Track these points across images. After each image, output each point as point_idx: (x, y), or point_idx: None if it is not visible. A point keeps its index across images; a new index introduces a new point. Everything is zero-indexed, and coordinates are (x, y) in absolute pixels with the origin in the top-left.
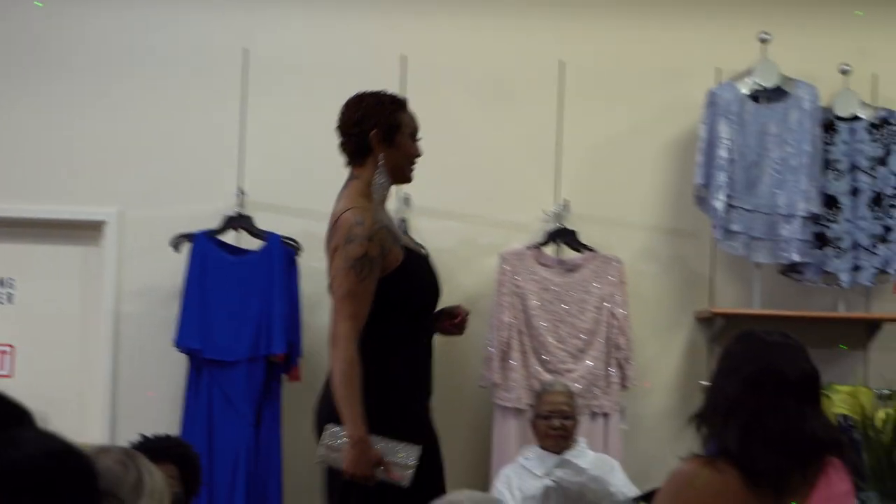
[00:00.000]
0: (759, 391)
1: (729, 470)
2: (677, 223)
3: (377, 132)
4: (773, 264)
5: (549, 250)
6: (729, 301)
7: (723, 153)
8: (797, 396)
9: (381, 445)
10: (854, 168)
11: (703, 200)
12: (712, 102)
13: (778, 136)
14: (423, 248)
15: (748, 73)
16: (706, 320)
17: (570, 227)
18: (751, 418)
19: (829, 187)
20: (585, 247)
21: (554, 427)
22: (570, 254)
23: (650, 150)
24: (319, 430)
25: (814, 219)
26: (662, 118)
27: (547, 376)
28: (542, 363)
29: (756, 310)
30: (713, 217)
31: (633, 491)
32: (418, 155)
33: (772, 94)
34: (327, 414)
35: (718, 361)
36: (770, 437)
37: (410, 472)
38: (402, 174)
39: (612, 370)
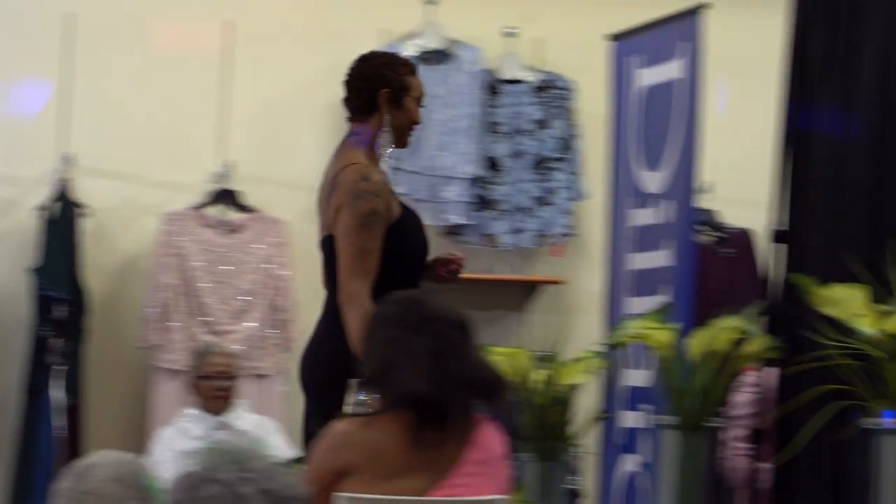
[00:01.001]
0: (433, 334)
1: (391, 427)
2: None
3: (388, 91)
4: (435, 226)
5: (213, 211)
6: None
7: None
8: (464, 336)
9: None
10: (517, 131)
11: None
12: None
13: (442, 98)
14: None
15: (413, 35)
16: None
17: (234, 188)
18: (435, 360)
19: (491, 150)
20: (248, 208)
21: (216, 388)
22: (233, 215)
23: (314, 112)
24: (310, 384)
25: (476, 181)
26: (327, 80)
27: (208, 337)
28: (204, 324)
29: None
30: None
31: (291, 453)
32: (419, 122)
33: (437, 57)
34: (322, 367)
35: (374, 323)
36: (454, 374)
37: None
38: (402, 138)
39: (274, 332)
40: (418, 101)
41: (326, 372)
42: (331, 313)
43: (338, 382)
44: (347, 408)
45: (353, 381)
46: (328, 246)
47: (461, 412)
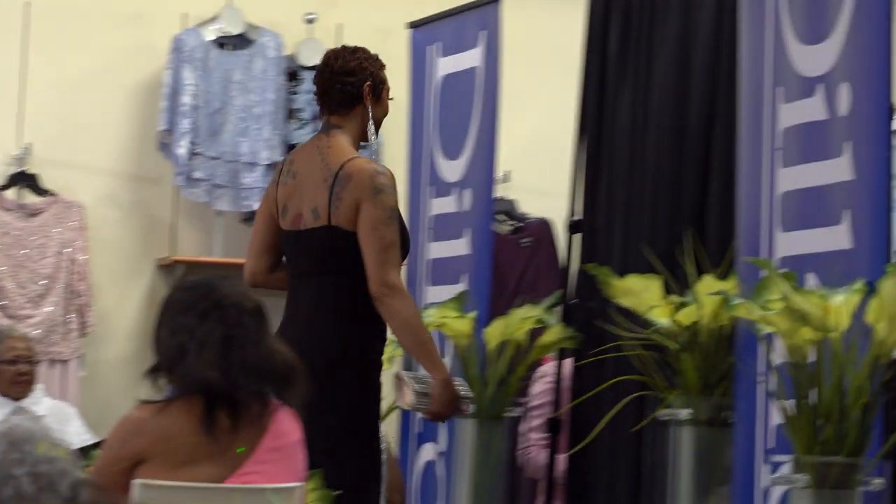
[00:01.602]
0: (223, 321)
1: (183, 414)
2: (140, 169)
3: (370, 85)
4: (235, 212)
5: (10, 194)
6: (191, 249)
7: (187, 100)
8: (257, 323)
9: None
10: (317, 117)
11: (166, 146)
12: (177, 48)
13: (242, 83)
14: None
15: (214, 19)
16: (167, 267)
17: (32, 170)
18: (224, 347)
19: (292, 136)
20: (47, 191)
21: (16, 373)
22: (32, 198)
23: (115, 95)
24: (320, 370)
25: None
26: (128, 62)
27: (5, 322)
28: (1, 309)
29: (217, 258)
30: (176, 164)
31: (89, 439)
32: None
33: (237, 42)
34: (331, 351)
35: (166, 309)
36: (246, 361)
37: (469, 400)
38: (376, 130)
39: (72, 316)
40: (388, 94)
41: (345, 356)
42: (329, 302)
43: (361, 366)
44: (412, 396)
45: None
46: (324, 235)
47: (254, 400)
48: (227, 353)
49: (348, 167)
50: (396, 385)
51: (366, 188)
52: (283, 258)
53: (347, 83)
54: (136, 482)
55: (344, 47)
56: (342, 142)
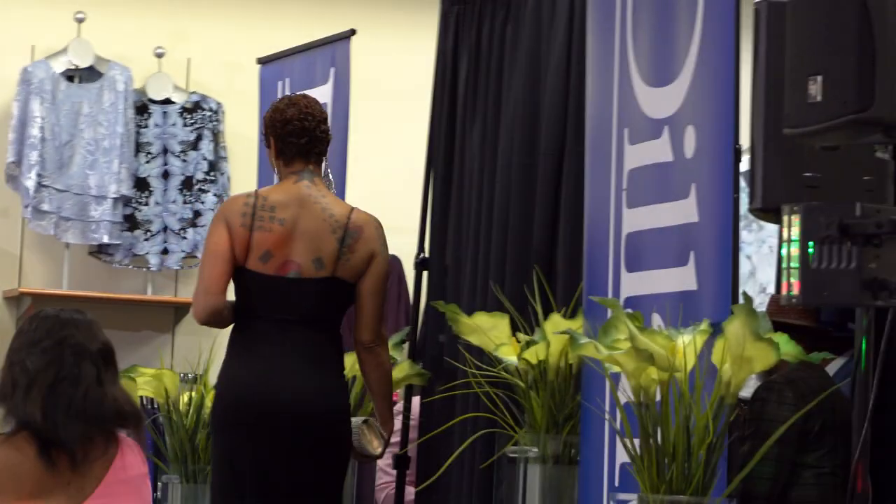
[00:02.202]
0: (59, 361)
1: (26, 447)
2: None
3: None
4: (83, 245)
5: None
6: (38, 281)
7: (35, 132)
8: (97, 366)
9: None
10: (166, 151)
11: (14, 178)
12: (25, 80)
13: (91, 116)
14: None
15: (63, 51)
16: (14, 299)
17: None
18: (52, 388)
19: (140, 170)
20: None
21: None
22: None
23: None
24: (333, 423)
25: (124, 201)
26: None
27: None
28: None
29: (65, 290)
30: (24, 196)
31: None
32: None
33: (86, 74)
34: (343, 403)
35: (15, 339)
36: (72, 404)
37: None
38: None
39: None
40: None
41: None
42: (331, 353)
43: None
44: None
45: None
46: (327, 285)
47: (78, 443)
48: (54, 394)
49: (356, 219)
50: (365, 432)
51: (378, 242)
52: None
53: (325, 130)
54: None
55: (304, 95)
56: (327, 189)
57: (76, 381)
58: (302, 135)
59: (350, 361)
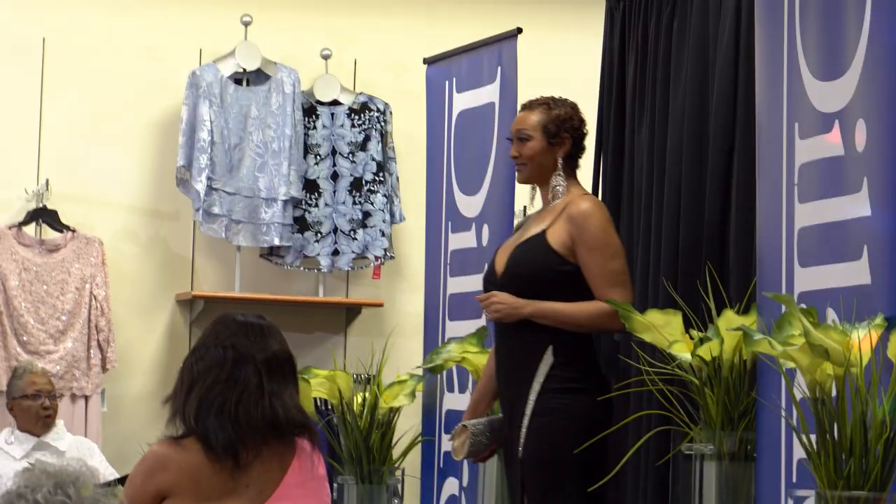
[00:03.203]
0: (221, 367)
1: (193, 448)
2: (159, 204)
3: None
4: (254, 248)
5: (30, 230)
6: (210, 284)
7: (204, 135)
8: (261, 374)
9: None
10: (334, 152)
11: (184, 182)
12: (194, 83)
13: (260, 119)
14: None
15: (231, 54)
16: (187, 303)
17: (51, 206)
18: (207, 392)
19: (309, 172)
20: (66, 227)
21: (38, 408)
22: (52, 234)
23: (133, 130)
24: None
25: (294, 203)
26: (145, 98)
27: (26, 357)
28: (22, 344)
29: (237, 293)
30: (194, 199)
31: (112, 474)
32: None
33: (254, 77)
34: None
35: (196, 344)
36: (224, 410)
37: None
38: None
39: (93, 352)
40: None
41: None
42: None
43: None
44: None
45: None
46: None
47: (244, 445)
48: (208, 398)
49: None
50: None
51: None
52: None
53: None
54: None
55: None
56: None
57: (232, 386)
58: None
59: None
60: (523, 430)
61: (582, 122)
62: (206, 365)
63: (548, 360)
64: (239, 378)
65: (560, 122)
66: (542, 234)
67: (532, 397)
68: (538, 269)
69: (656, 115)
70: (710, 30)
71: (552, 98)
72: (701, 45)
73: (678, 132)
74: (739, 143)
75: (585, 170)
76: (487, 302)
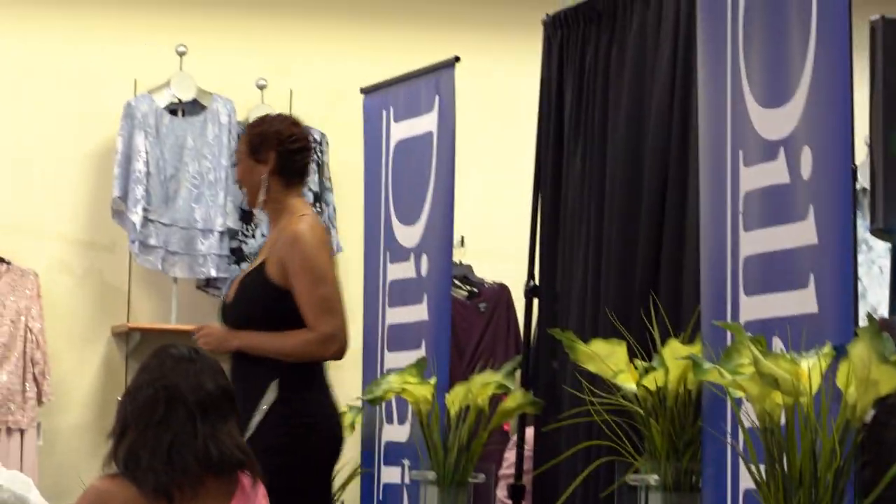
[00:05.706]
0: (153, 410)
1: (130, 485)
2: (94, 236)
3: None
4: (190, 279)
5: None
6: (146, 316)
7: (140, 166)
8: (195, 416)
9: None
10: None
11: (119, 213)
12: (129, 114)
13: (195, 149)
14: None
15: (166, 85)
16: (123, 335)
17: None
18: (140, 436)
19: (245, 202)
20: (0, 259)
21: None
22: None
23: (67, 161)
24: None
25: (231, 234)
26: (79, 128)
27: None
28: None
29: (173, 325)
30: (130, 231)
31: None
32: None
33: (189, 108)
34: None
35: (130, 383)
36: (157, 454)
37: None
38: None
39: (29, 385)
40: None
41: None
42: None
43: None
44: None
45: None
46: None
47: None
48: (142, 440)
49: None
50: None
51: None
52: None
53: None
54: None
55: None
56: None
57: (164, 431)
58: (308, 155)
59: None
60: None
61: (292, 136)
62: (138, 407)
63: (271, 395)
64: (171, 422)
65: (262, 138)
66: (262, 265)
67: (249, 433)
68: (258, 305)
69: (595, 142)
70: (648, 58)
71: (267, 115)
72: (638, 73)
73: (617, 160)
74: (673, 171)
75: (524, 198)
76: (199, 334)
